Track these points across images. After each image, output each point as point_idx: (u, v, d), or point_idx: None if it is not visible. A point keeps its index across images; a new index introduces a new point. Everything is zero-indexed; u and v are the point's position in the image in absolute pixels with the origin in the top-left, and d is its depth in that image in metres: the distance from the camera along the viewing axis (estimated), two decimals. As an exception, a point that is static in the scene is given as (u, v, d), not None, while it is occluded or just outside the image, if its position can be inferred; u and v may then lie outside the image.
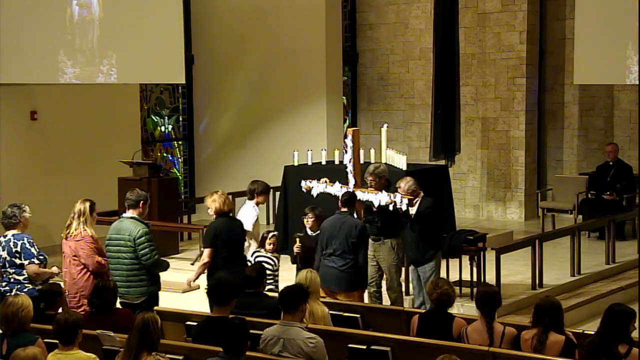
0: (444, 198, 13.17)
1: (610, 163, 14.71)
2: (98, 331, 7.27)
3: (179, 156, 16.85)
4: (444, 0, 14.32)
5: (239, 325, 6.44)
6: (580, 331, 7.60)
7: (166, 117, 16.56)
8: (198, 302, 9.61)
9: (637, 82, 13.89)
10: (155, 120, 16.40)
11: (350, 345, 7.36)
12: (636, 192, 14.66)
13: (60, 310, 7.81)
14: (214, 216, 9.38)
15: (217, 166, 16.56)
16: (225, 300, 7.31)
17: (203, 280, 9.83)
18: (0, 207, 9.31)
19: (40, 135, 13.90)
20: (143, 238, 8.77)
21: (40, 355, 6.18)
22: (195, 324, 7.70)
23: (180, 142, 16.86)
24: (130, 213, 8.94)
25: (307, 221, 9.89)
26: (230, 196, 9.73)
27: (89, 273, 8.93)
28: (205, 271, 9.34)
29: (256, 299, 8.00)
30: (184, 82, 14.89)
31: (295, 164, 13.39)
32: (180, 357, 7.08)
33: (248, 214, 10.16)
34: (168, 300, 10.34)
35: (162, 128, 16.56)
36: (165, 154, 16.65)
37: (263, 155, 16.03)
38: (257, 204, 10.25)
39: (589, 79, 15.12)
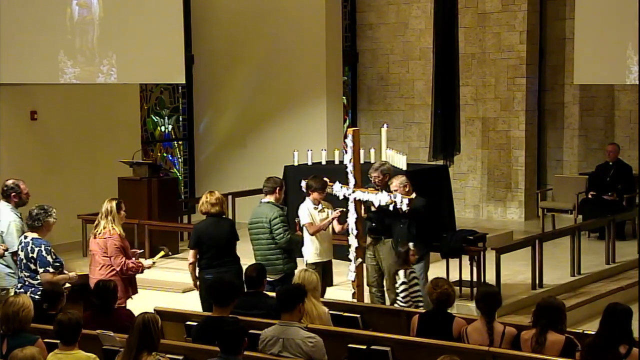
0: (444, 198, 13.16)
1: (610, 163, 14.72)
2: (98, 331, 7.27)
3: (179, 156, 16.85)
4: (444, 0, 14.32)
5: (232, 324, 6.44)
6: (580, 331, 7.59)
7: (166, 117, 16.56)
8: (198, 302, 9.60)
9: (637, 82, 13.87)
10: (155, 120, 16.40)
11: (350, 345, 7.36)
12: (636, 192, 14.66)
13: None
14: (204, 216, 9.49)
15: (217, 166, 16.55)
16: (225, 301, 7.32)
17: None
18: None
19: (40, 135, 13.90)
20: (277, 219, 9.53)
21: (39, 355, 6.17)
22: (195, 324, 7.70)
23: (180, 142, 16.85)
24: (267, 198, 9.72)
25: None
26: (223, 197, 9.72)
27: (114, 272, 8.91)
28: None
29: (256, 299, 8.00)
30: (184, 82, 14.87)
31: (295, 164, 13.37)
32: (180, 357, 7.07)
33: (300, 209, 10.22)
34: (168, 300, 10.36)
35: (162, 128, 16.55)
36: (165, 154, 16.64)
37: (263, 155, 16.01)
38: (314, 201, 10.20)
39: (589, 79, 15.10)
